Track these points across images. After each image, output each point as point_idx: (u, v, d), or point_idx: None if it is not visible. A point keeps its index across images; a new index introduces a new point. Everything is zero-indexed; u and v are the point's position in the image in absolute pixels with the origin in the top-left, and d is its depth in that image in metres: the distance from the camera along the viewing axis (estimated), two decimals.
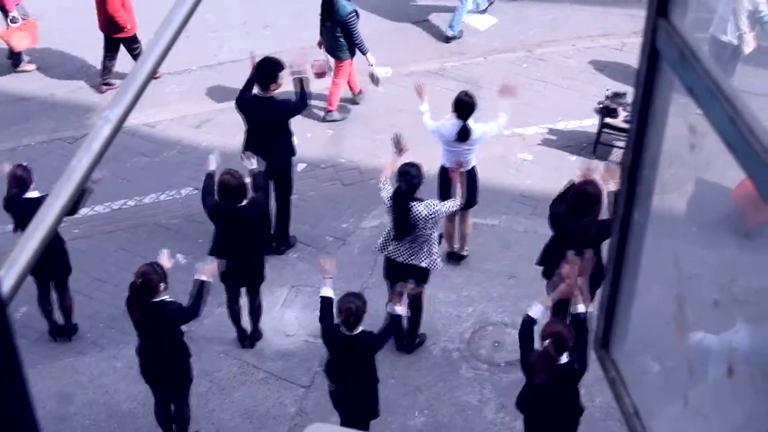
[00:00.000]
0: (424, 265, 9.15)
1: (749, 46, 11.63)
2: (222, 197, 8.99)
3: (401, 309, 8.26)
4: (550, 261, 8.98)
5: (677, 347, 2.50)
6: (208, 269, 8.42)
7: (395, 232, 9.05)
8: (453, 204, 9.12)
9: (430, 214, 8.85)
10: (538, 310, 7.91)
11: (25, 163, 9.58)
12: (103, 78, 13.43)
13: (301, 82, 10.16)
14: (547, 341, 7.39)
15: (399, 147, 9.27)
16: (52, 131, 12.71)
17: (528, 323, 7.87)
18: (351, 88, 12.99)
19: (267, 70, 10.03)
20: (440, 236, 9.42)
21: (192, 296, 8.29)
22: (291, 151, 10.42)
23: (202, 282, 8.34)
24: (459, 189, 9.22)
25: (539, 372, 7.47)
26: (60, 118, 12.96)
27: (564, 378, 7.59)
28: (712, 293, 2.64)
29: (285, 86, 10.26)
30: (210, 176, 9.20)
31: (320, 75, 11.61)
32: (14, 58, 13.79)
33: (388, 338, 8.53)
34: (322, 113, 12.80)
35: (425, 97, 10.12)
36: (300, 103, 10.22)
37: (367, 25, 13.31)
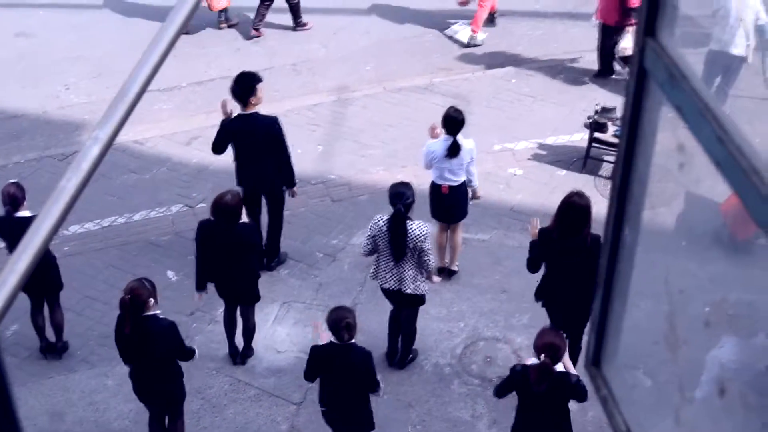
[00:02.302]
0: (408, 292, 9.13)
1: (752, 54, 11.81)
2: (218, 216, 8.94)
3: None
4: (547, 293, 9.00)
5: (668, 364, 2.50)
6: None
7: (393, 254, 9.02)
8: (431, 258, 9.10)
9: (422, 234, 8.83)
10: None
11: (15, 181, 9.54)
12: (255, 23, 14.70)
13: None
14: (542, 355, 7.39)
15: None
16: (42, 148, 12.70)
17: (496, 388, 8.09)
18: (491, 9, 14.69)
19: (243, 84, 9.90)
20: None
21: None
22: (288, 174, 10.29)
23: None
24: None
25: (538, 383, 7.47)
26: (51, 135, 12.96)
27: (559, 388, 7.58)
28: (702, 307, 2.64)
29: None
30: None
31: (464, 3, 13.65)
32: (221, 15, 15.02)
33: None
34: (311, 129, 12.81)
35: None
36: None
37: (356, 42, 13.37)
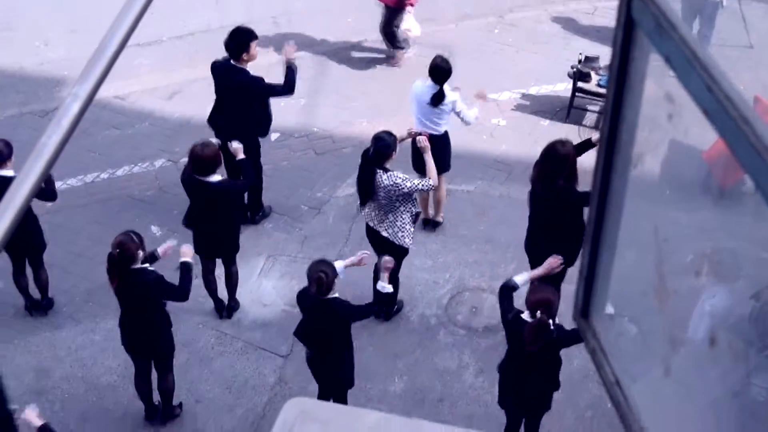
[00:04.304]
0: (384, 234, 9.13)
1: None
2: (193, 168, 8.91)
3: (387, 286, 8.25)
4: (532, 243, 9.05)
5: (657, 314, 2.50)
6: (188, 250, 8.41)
7: (359, 196, 9.11)
8: (423, 183, 9.02)
9: (392, 185, 8.80)
10: (523, 279, 7.97)
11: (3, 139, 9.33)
12: None
13: (290, 71, 10.07)
14: (538, 312, 7.36)
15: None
16: (21, 104, 12.59)
17: (509, 288, 7.91)
18: None
19: (237, 39, 9.84)
20: (416, 214, 9.30)
21: (180, 279, 8.31)
22: (264, 129, 10.27)
23: (185, 263, 8.33)
24: (428, 164, 9.18)
25: (533, 342, 7.46)
26: (29, 91, 12.84)
27: (553, 341, 7.59)
28: (688, 255, 2.64)
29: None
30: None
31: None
32: None
33: (371, 314, 8.52)
34: None
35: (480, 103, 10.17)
36: (285, 89, 10.09)
37: None
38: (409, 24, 12.56)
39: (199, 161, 8.81)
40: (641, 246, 2.54)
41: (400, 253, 9.32)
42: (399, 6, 12.50)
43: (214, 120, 10.20)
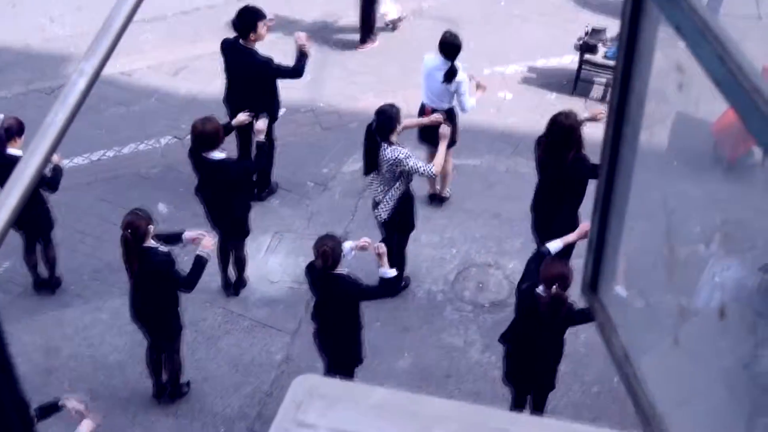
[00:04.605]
0: (383, 218, 9.18)
1: None
2: (195, 144, 8.87)
3: (388, 271, 8.15)
4: (540, 208, 9.03)
5: (666, 286, 2.49)
6: (208, 243, 8.30)
7: (364, 167, 9.16)
8: (425, 168, 9.01)
9: (394, 159, 8.79)
10: (557, 247, 7.95)
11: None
12: None
13: (303, 55, 10.01)
14: (554, 286, 7.34)
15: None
16: (28, 82, 12.57)
17: (541, 255, 7.91)
18: None
19: (245, 18, 9.77)
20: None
21: (191, 270, 8.18)
22: (272, 110, 10.20)
23: (199, 256, 8.22)
24: (440, 152, 9.17)
25: (552, 317, 7.45)
26: (35, 68, 12.81)
27: (566, 316, 7.59)
28: (696, 227, 2.63)
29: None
30: None
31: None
32: None
33: (377, 298, 8.45)
34: None
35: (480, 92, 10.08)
36: (293, 72, 10.05)
37: None
38: (387, 7, 12.57)
39: (201, 136, 8.77)
40: (650, 218, 2.53)
41: (405, 228, 9.34)
42: None
43: (229, 100, 10.16)
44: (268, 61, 9.89)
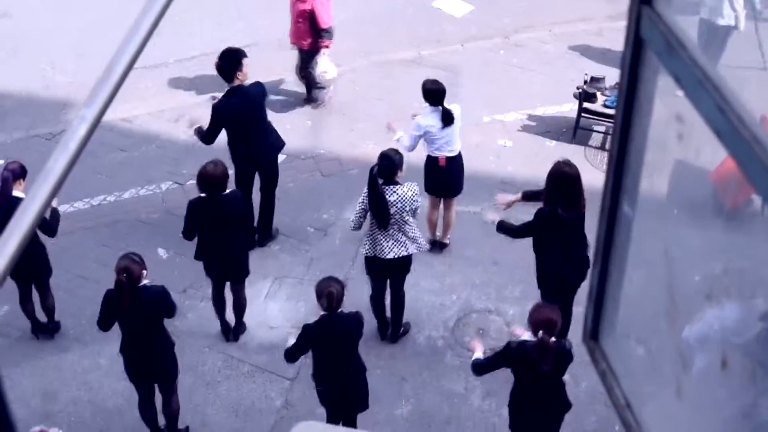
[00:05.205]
0: (412, 250, 9.11)
1: (743, 22, 11.71)
2: (205, 187, 8.90)
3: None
4: (556, 270, 8.98)
5: (668, 336, 2.48)
6: None
7: (378, 221, 8.94)
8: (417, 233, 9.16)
9: (413, 197, 8.82)
10: (481, 352, 8.06)
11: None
12: None
13: None
14: (540, 332, 7.34)
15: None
16: (28, 128, 12.60)
17: (478, 366, 8.00)
18: None
19: (229, 59, 9.85)
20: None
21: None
22: (277, 143, 10.33)
23: None
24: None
25: (545, 362, 7.44)
26: (36, 114, 12.85)
27: (559, 360, 7.57)
28: (697, 275, 2.62)
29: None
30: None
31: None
32: None
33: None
34: (300, 103, 12.76)
35: (396, 128, 10.13)
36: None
37: (343, 12, 13.26)
38: (324, 66, 12.27)
39: (211, 179, 8.82)
40: (651, 267, 2.52)
41: (408, 268, 9.37)
42: (314, 49, 12.21)
43: (238, 153, 10.21)
44: (261, 85, 10.15)
